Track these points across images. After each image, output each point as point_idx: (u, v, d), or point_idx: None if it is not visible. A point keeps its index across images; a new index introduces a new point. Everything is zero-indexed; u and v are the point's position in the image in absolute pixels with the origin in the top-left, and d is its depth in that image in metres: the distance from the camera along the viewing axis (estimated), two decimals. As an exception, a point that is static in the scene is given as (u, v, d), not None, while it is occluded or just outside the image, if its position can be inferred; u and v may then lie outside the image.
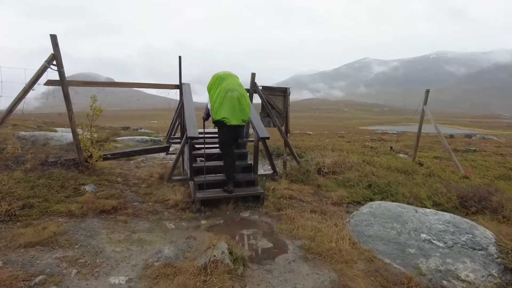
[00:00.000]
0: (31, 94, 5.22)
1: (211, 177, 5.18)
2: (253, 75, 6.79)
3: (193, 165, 5.34)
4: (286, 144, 7.31)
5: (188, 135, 4.70)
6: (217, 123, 4.86)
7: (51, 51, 5.21)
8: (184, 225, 4.37)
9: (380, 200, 5.94)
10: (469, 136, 24.02)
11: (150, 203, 5.05)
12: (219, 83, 4.81)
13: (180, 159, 6.00)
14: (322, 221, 4.63)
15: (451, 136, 23.28)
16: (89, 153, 6.01)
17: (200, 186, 5.05)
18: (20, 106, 5.21)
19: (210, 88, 4.90)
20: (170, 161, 7.71)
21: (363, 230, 4.22)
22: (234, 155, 5.28)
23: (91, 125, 6.16)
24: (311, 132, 24.64)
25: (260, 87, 6.98)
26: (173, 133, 7.15)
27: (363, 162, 8.47)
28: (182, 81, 6.45)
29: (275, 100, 7.19)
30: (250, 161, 6.00)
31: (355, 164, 8.17)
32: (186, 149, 5.20)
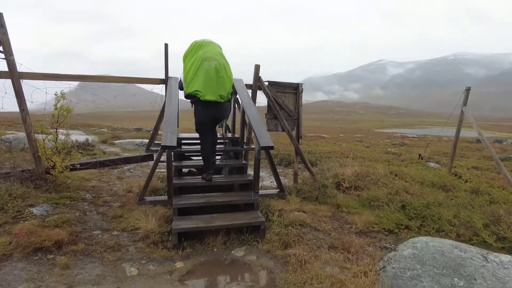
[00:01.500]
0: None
1: (197, 199, 3.91)
2: (257, 67, 5.51)
3: (174, 181, 4.09)
4: (298, 152, 5.99)
5: (162, 144, 3.46)
6: (189, 98, 4.14)
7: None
8: (151, 269, 3.12)
9: (418, 227, 4.57)
10: (499, 141, 22.04)
11: (115, 233, 3.82)
12: (196, 51, 4.06)
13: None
14: (346, 265, 3.31)
15: (478, 141, 21.39)
16: (53, 163, 4.84)
17: (182, 211, 3.80)
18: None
19: (185, 57, 4.15)
20: (164, 170, 6.49)
21: (408, 286, 2.87)
22: (214, 139, 4.53)
23: (56, 128, 4.99)
24: (325, 135, 23.18)
25: (266, 83, 5.69)
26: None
27: (390, 174, 7.06)
28: (170, 75, 5.22)
29: (284, 99, 5.88)
30: (251, 174, 4.71)
31: (381, 176, 6.78)
32: (171, 160, 3.95)
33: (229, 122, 6.34)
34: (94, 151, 8.14)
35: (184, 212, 3.84)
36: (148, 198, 3.95)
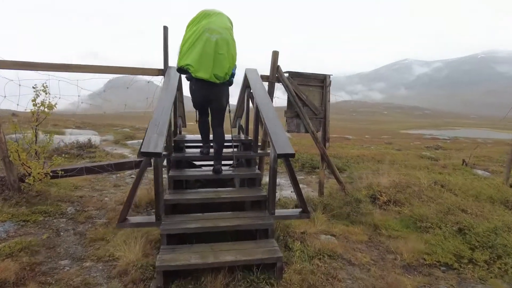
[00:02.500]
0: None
1: (194, 223, 2.98)
2: (275, 54, 4.52)
3: (166, 196, 3.18)
4: (324, 158, 4.95)
5: (142, 149, 2.55)
6: (181, 72, 3.66)
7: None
8: (121, 327, 2.20)
9: (487, 262, 3.45)
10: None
11: (88, 263, 2.94)
12: (200, 20, 3.46)
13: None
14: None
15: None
16: (31, 170, 4.05)
17: (173, 238, 2.88)
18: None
19: (188, 25, 3.54)
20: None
21: None
22: (207, 125, 3.99)
23: (36, 128, 4.20)
24: (350, 137, 21.84)
25: (286, 74, 4.70)
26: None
27: (435, 185, 5.88)
28: (170, 64, 4.34)
29: (308, 94, 4.86)
30: (266, 188, 3.74)
31: (425, 187, 5.62)
32: (159, 171, 3.00)
33: (242, 121, 5.41)
34: (96, 153, 7.41)
35: (176, 239, 2.92)
36: (131, 219, 3.05)
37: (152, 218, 3.02)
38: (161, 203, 2.99)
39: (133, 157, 7.06)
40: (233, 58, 3.56)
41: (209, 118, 3.93)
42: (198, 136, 4.68)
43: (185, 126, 6.20)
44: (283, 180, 6.57)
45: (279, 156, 2.69)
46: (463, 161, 8.61)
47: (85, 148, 7.32)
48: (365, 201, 4.85)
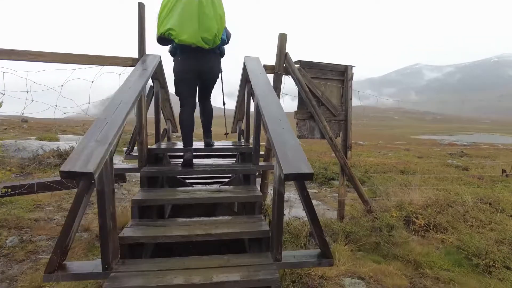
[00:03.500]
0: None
1: (159, 276, 1.97)
2: (283, 37, 3.50)
3: (122, 233, 2.19)
4: (345, 171, 3.91)
5: (62, 167, 1.56)
6: (162, 42, 3.11)
7: None
8: None
9: None
10: None
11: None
12: None
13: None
14: None
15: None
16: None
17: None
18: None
19: None
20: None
21: None
22: (191, 119, 3.27)
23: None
24: (362, 142, 20.65)
25: (297, 65, 3.68)
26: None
27: (480, 202, 4.76)
28: (148, 51, 3.38)
29: (325, 89, 3.83)
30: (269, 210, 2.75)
31: (470, 206, 4.51)
32: (105, 198, 2.00)
33: (243, 126, 4.43)
34: None
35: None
36: (69, 265, 2.06)
37: (98, 264, 2.02)
38: (110, 245, 1.99)
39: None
40: (221, 18, 3.03)
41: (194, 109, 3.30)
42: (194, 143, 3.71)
43: (176, 131, 5.22)
44: (292, 193, 5.53)
45: (288, 177, 1.66)
46: (503, 171, 7.43)
47: (66, 155, 6.41)
48: (398, 227, 3.77)
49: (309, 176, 1.63)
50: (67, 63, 3.30)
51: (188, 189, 2.83)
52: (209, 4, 2.92)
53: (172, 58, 3.28)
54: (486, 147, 22.07)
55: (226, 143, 3.84)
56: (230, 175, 3.65)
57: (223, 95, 4.28)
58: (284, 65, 3.55)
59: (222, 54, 3.35)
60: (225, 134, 4.78)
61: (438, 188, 5.40)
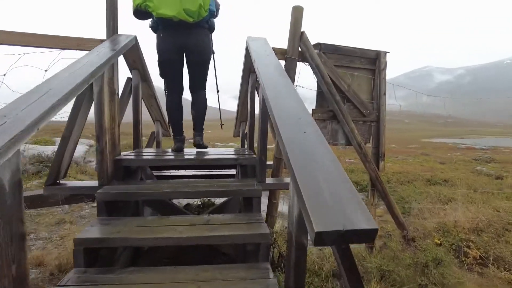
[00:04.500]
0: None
1: None
2: (298, 11, 2.64)
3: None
4: (377, 186, 3.03)
5: None
6: (138, 15, 2.60)
7: None
8: None
9: None
10: None
11: None
12: None
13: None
14: None
15: None
16: None
17: None
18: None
19: None
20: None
21: None
22: (178, 106, 2.88)
23: None
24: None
25: (316, 50, 2.82)
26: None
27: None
28: (120, 31, 2.57)
29: (351, 81, 2.97)
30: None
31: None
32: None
33: (247, 128, 3.61)
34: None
35: None
36: None
37: None
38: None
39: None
40: None
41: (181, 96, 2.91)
42: (187, 153, 2.87)
43: (167, 134, 4.41)
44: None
45: (324, 238, 0.79)
46: (549, 181, 6.42)
47: (48, 162, 5.65)
48: (449, 261, 2.87)
49: (369, 236, 0.77)
50: (13, 44, 2.51)
51: (154, 219, 1.97)
52: None
53: (155, 35, 2.76)
54: (508, 151, 20.85)
55: (223, 151, 3.00)
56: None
57: (216, 81, 3.48)
58: (299, 49, 2.70)
59: (211, 28, 2.83)
60: (220, 125, 4.03)
61: (482, 204, 4.46)
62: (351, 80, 2.98)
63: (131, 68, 2.90)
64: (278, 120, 1.28)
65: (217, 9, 2.86)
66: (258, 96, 3.13)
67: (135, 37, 2.55)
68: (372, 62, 3.05)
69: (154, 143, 4.11)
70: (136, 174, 2.50)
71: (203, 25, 2.69)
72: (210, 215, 1.95)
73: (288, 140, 1.14)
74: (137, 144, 3.03)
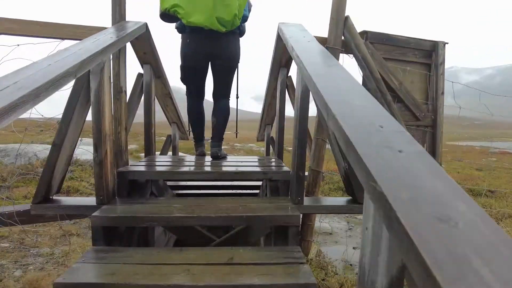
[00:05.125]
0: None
1: None
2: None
3: None
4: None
5: None
6: (166, 19, 2.35)
7: None
8: None
9: None
10: None
11: None
12: None
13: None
14: None
15: None
16: None
17: None
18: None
19: None
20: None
21: None
22: (201, 111, 2.73)
23: None
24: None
25: (362, 39, 2.32)
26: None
27: None
28: (128, 18, 2.17)
29: (403, 78, 2.46)
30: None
31: None
32: None
33: (273, 133, 3.21)
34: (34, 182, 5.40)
35: None
36: None
37: None
38: None
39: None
40: None
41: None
42: (202, 161, 2.46)
43: (186, 137, 4.02)
44: (341, 222, 4.15)
45: None
46: None
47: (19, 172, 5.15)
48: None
49: None
50: (5, 33, 2.16)
51: (162, 252, 1.54)
52: None
53: (180, 36, 2.55)
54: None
55: (246, 161, 2.54)
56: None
57: (237, 87, 3.16)
58: (342, 37, 2.21)
59: (242, 33, 2.63)
60: (235, 132, 3.89)
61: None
62: (403, 76, 2.47)
63: (142, 62, 2.51)
64: (347, 130, 0.81)
65: (249, 10, 2.62)
66: (288, 95, 2.68)
67: (146, 24, 2.14)
68: (427, 55, 2.53)
69: (170, 147, 3.72)
70: (145, 188, 2.09)
71: (235, 31, 2.48)
72: (233, 248, 1.50)
73: (373, 162, 0.66)
74: (149, 151, 2.62)
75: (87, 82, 1.64)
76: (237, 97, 3.34)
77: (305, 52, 1.60)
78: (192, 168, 2.05)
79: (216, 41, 2.40)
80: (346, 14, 2.18)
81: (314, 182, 2.21)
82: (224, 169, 2.06)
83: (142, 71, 2.56)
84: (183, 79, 2.57)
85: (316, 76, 1.23)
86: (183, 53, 2.49)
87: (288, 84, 2.60)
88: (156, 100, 2.91)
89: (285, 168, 2.02)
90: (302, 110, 1.73)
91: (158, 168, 2.09)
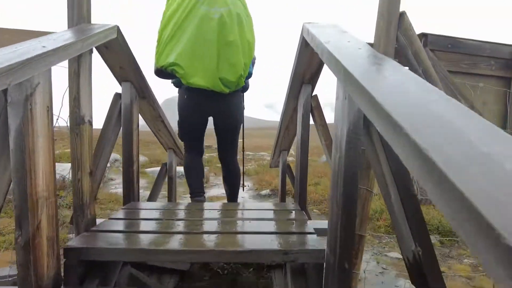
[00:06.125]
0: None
1: None
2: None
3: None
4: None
5: None
6: (162, 75, 2.13)
7: None
8: None
9: None
10: None
11: None
12: None
13: None
14: None
15: None
16: None
17: None
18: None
19: None
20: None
21: None
22: (200, 166, 2.49)
23: None
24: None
25: (425, 47, 1.67)
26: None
27: None
28: (93, 21, 1.56)
29: (473, 95, 1.79)
30: None
31: None
32: None
33: (292, 163, 2.59)
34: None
35: None
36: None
37: None
38: None
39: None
40: (250, 46, 2.08)
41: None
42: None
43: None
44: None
45: None
46: None
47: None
48: None
49: None
50: None
51: None
52: (234, 24, 1.99)
53: (176, 88, 2.36)
54: None
55: (255, 216, 1.83)
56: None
57: (244, 147, 3.07)
58: (397, 40, 1.56)
59: (245, 89, 2.47)
60: (242, 186, 3.36)
61: None
62: (472, 92, 1.80)
63: (120, 79, 1.89)
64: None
65: (253, 64, 2.35)
66: (313, 119, 2.04)
67: (116, 28, 1.53)
68: (506, 65, 1.85)
69: (166, 179, 3.09)
70: (112, 270, 1.43)
71: (238, 89, 2.25)
72: None
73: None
74: (129, 196, 1.98)
75: (3, 108, 1.02)
76: (243, 151, 3.16)
77: (357, 65, 0.96)
78: (180, 240, 1.36)
79: (217, 102, 2.17)
80: (402, 10, 1.53)
81: (356, 252, 1.53)
82: (226, 242, 1.37)
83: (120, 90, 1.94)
84: (181, 135, 2.41)
85: (394, 105, 0.59)
86: (181, 110, 2.28)
87: (313, 105, 1.95)
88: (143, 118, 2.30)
89: (317, 244, 1.32)
90: (350, 151, 1.08)
91: (128, 241, 1.41)
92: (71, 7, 1.47)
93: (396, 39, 1.55)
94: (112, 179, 7.74)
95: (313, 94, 1.96)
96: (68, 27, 1.49)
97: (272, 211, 1.92)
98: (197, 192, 2.39)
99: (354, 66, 0.95)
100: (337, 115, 1.13)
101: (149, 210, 1.87)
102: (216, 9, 1.95)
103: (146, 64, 2.33)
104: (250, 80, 2.47)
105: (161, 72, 2.07)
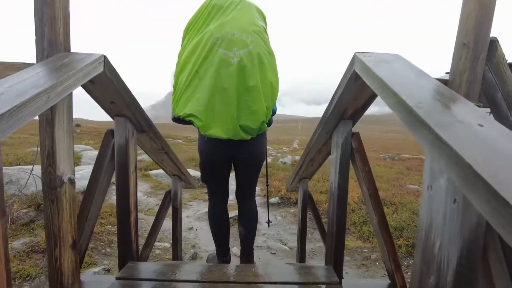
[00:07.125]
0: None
1: None
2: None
3: None
4: None
5: None
6: (179, 122, 1.91)
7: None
8: None
9: None
10: None
11: None
12: (206, 21, 1.78)
13: None
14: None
15: None
16: None
17: None
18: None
19: (186, 31, 1.85)
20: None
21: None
22: (225, 215, 2.32)
23: None
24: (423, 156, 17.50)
25: None
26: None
27: None
28: (74, 50, 1.18)
29: None
30: None
31: None
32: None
33: (315, 193, 2.21)
34: None
35: None
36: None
37: None
38: None
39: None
40: (272, 88, 1.86)
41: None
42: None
43: (192, 186, 3.06)
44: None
45: None
46: None
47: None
48: None
49: None
50: None
51: None
52: (255, 66, 1.72)
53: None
54: None
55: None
56: None
57: (268, 202, 2.99)
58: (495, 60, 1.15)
59: (269, 125, 2.08)
60: (268, 222, 3.16)
61: None
62: None
63: (112, 114, 1.51)
64: None
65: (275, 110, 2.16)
66: (353, 165, 1.65)
67: (103, 57, 1.13)
68: None
69: (170, 208, 2.72)
70: None
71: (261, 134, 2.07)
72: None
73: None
74: (125, 255, 1.60)
75: None
76: (269, 225, 3.06)
77: (471, 143, 0.57)
78: None
79: (239, 146, 2.00)
80: (492, 36, 1.12)
81: None
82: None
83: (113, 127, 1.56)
84: (204, 179, 2.26)
85: None
86: (203, 152, 2.12)
87: (354, 147, 1.55)
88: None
89: None
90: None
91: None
92: (39, 31, 1.08)
93: (484, 75, 1.14)
94: (112, 183, 7.43)
95: (353, 132, 1.56)
96: (38, 58, 1.11)
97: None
98: (223, 252, 2.35)
99: (470, 149, 0.55)
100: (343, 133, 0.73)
101: (151, 281, 1.49)
102: (235, 52, 1.73)
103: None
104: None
105: (179, 120, 1.89)
